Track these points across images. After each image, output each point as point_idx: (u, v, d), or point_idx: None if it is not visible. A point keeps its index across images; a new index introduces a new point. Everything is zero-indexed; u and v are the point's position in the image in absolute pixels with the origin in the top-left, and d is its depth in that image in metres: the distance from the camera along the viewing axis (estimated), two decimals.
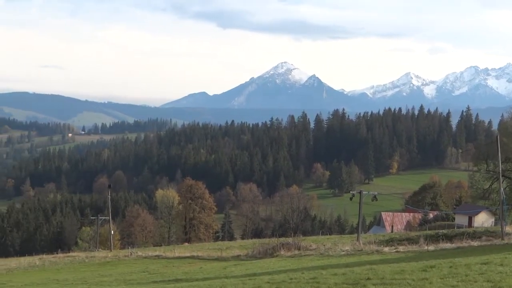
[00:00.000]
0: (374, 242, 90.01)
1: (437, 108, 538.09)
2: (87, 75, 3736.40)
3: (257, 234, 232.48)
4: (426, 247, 78.05)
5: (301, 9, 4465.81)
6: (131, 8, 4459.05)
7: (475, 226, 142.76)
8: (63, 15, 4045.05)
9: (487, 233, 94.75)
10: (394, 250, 78.18)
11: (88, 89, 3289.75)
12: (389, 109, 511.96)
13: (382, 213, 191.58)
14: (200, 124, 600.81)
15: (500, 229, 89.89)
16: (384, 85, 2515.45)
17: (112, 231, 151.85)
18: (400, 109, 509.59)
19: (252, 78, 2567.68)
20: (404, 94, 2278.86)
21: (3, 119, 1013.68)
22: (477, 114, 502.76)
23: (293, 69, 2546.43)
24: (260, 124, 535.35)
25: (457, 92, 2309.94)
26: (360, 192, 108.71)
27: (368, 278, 35.59)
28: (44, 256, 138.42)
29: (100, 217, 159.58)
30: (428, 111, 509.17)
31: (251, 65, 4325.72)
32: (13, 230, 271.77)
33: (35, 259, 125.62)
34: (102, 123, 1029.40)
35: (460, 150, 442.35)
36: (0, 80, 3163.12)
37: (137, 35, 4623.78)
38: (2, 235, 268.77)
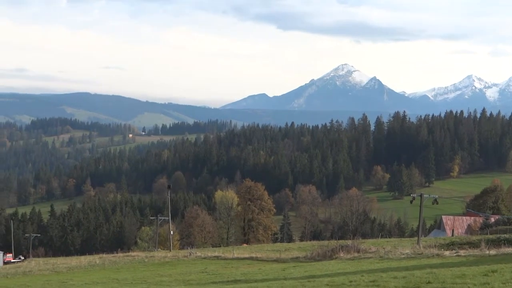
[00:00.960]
0: (435, 245, 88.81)
1: (499, 111, 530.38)
2: (148, 76, 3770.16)
3: (316, 236, 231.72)
4: (487, 252, 76.68)
5: (362, 11, 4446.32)
6: (192, 11, 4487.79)
7: None
8: (124, 17, 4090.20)
9: None
10: (455, 254, 77.01)
11: (148, 90, 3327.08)
12: (451, 111, 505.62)
13: (443, 216, 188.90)
14: (260, 126, 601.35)
15: None
16: (445, 87, 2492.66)
17: (172, 232, 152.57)
18: (462, 112, 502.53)
19: (312, 80, 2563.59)
20: (466, 96, 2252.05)
21: (65, 120, 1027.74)
22: None
23: (354, 71, 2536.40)
24: (320, 126, 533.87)
25: None
26: (420, 195, 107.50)
27: (429, 282, 35.14)
28: (104, 255, 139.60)
29: (160, 217, 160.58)
30: (491, 114, 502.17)
31: (311, 67, 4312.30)
32: (74, 229, 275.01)
33: (95, 258, 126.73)
34: (162, 124, 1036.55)
35: None
36: (62, 81, 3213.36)
37: (198, 37, 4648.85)
38: (63, 234, 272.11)
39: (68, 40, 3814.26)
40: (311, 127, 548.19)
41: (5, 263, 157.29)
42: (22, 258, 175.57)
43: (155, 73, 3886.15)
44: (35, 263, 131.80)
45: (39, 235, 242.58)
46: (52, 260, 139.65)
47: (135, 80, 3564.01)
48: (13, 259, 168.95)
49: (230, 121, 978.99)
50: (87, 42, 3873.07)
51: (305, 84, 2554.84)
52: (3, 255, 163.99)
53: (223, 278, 72.01)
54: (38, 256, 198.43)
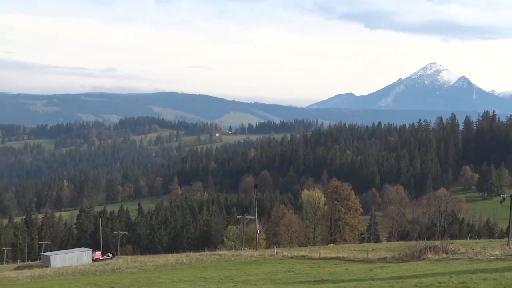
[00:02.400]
0: None
1: None
2: (235, 76, 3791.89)
3: (403, 236, 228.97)
4: None
5: (450, 9, 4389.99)
6: (279, 9, 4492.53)
7: None
8: (211, 17, 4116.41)
9: None
10: None
11: (235, 90, 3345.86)
12: None
13: None
14: (347, 125, 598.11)
15: None
16: None
17: (258, 231, 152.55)
18: None
19: (400, 79, 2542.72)
20: None
21: (152, 119, 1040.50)
22: None
23: (442, 70, 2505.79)
24: (407, 125, 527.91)
25: None
26: (511, 196, 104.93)
27: None
28: (191, 253, 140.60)
29: (246, 216, 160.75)
30: None
31: (399, 66, 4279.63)
32: (161, 228, 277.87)
33: (182, 256, 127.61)
34: (249, 123, 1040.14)
35: None
36: (150, 81, 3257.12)
37: (284, 36, 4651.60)
38: (150, 232, 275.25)
39: (155, 40, 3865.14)
40: (398, 127, 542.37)
41: (94, 260, 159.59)
42: (111, 255, 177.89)
43: (242, 72, 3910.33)
44: (123, 261, 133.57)
45: (127, 233, 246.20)
46: (140, 258, 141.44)
47: (221, 79, 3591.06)
48: (102, 257, 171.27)
49: (317, 120, 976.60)
50: (174, 41, 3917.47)
51: (393, 83, 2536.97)
52: (92, 252, 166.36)
53: (309, 277, 71.56)
54: (126, 254, 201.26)
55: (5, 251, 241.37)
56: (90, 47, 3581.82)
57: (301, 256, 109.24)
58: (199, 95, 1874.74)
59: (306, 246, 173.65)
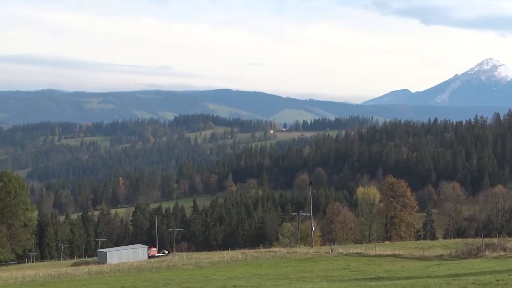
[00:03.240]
0: None
1: None
2: (289, 73, 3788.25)
3: (460, 233, 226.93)
4: None
5: (506, 4, 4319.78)
6: (333, 6, 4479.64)
7: None
8: (266, 14, 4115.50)
9: None
10: None
11: (290, 86, 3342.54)
12: None
13: None
14: (402, 122, 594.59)
15: None
16: None
17: (313, 228, 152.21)
18: None
19: (456, 75, 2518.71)
20: None
21: (207, 116, 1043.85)
22: None
23: (499, 65, 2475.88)
24: (464, 122, 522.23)
25: None
26: None
27: None
28: (246, 250, 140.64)
29: (301, 213, 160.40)
30: None
31: (455, 62, 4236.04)
32: (216, 225, 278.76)
33: (237, 253, 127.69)
34: (303, 120, 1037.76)
35: None
36: (204, 78, 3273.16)
37: (339, 32, 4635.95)
38: (205, 229, 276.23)
39: (210, 38, 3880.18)
40: (454, 123, 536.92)
41: (149, 257, 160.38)
42: (166, 252, 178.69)
43: (296, 70, 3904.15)
44: (178, 258, 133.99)
45: (182, 229, 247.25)
46: (195, 255, 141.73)
47: (276, 77, 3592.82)
48: (158, 253, 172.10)
49: (372, 117, 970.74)
50: (228, 39, 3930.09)
51: (449, 79, 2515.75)
52: (147, 249, 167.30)
53: (365, 275, 71.16)
54: (181, 251, 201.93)
55: (62, 247, 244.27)
56: (145, 45, 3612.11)
57: (357, 253, 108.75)
58: (254, 92, 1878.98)
59: (362, 243, 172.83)
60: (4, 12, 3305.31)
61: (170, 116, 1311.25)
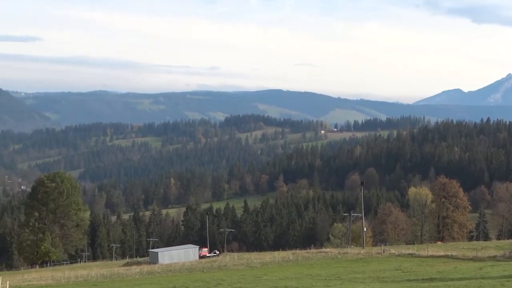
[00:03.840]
0: None
1: None
2: (340, 73, 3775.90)
3: None
4: None
5: None
6: (384, 5, 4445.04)
7: None
8: (315, 13, 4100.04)
9: None
10: None
11: (340, 86, 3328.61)
12: None
13: None
14: (454, 122, 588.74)
15: None
16: None
17: (365, 228, 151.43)
18: None
19: (509, 74, 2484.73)
20: None
21: (258, 116, 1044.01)
22: None
23: None
24: None
25: None
26: None
27: None
28: (297, 251, 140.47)
29: (352, 214, 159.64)
30: None
31: (508, 61, 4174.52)
32: (267, 225, 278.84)
33: (288, 254, 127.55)
34: (354, 120, 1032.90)
35: None
36: (255, 78, 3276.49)
37: (390, 32, 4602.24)
38: (256, 229, 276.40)
39: (259, 38, 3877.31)
40: (508, 123, 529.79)
41: (201, 257, 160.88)
42: (217, 252, 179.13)
43: (347, 69, 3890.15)
44: (229, 258, 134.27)
45: (233, 230, 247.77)
46: (246, 255, 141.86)
47: (326, 76, 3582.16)
48: (209, 254, 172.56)
49: (423, 117, 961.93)
50: (277, 39, 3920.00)
51: (502, 78, 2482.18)
52: (198, 249, 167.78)
53: (418, 276, 70.63)
54: (232, 251, 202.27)
55: (114, 247, 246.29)
56: (195, 46, 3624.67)
57: (409, 254, 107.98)
58: (304, 92, 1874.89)
59: (414, 244, 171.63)
60: (57, 15, 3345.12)
61: (220, 116, 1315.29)
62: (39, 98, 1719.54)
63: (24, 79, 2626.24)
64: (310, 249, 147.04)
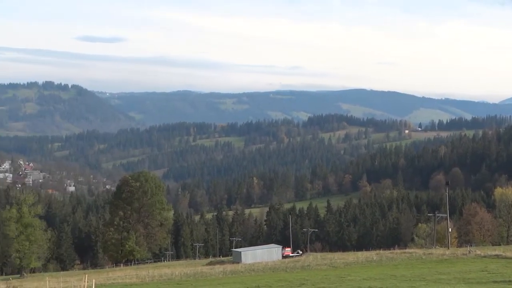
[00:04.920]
0: None
1: None
2: (423, 72, 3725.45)
3: None
4: None
5: None
6: (468, 3, 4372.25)
7: None
8: (398, 12, 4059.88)
9: None
10: None
11: (424, 86, 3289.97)
12: None
13: None
14: None
15: None
16: None
17: (449, 229, 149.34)
18: None
19: None
20: None
21: (341, 116, 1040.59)
22: None
23: None
24: None
25: None
26: None
27: None
28: (381, 251, 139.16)
29: (437, 214, 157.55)
30: None
31: None
32: (350, 225, 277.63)
33: (372, 254, 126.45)
34: (439, 120, 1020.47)
35: None
36: (337, 78, 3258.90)
37: (474, 30, 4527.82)
38: (339, 229, 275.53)
39: (341, 37, 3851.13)
40: None
41: (284, 257, 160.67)
42: (300, 252, 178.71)
43: (430, 68, 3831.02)
44: (312, 258, 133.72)
45: (316, 230, 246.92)
46: (329, 255, 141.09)
47: (409, 76, 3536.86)
48: (292, 253, 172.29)
49: (510, 116, 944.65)
50: (359, 38, 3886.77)
51: None
52: (282, 249, 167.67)
53: (504, 277, 69.36)
54: (315, 251, 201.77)
55: (197, 246, 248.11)
56: (277, 45, 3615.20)
57: (495, 255, 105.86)
58: (388, 91, 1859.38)
59: (500, 245, 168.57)
60: (141, 15, 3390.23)
61: (303, 116, 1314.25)
62: (124, 98, 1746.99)
63: (109, 80, 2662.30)
64: (394, 249, 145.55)
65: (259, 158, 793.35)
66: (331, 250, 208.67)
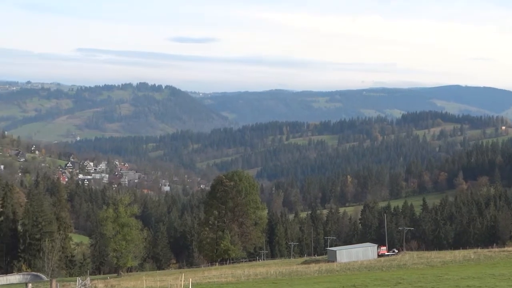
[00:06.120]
0: None
1: None
2: None
3: None
4: None
5: None
6: None
7: None
8: (490, 6, 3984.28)
9: None
10: None
11: None
12: None
13: None
14: None
15: None
16: None
17: None
18: None
19: None
20: None
21: (435, 113, 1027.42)
22: None
23: None
24: None
25: None
26: None
27: None
28: (479, 250, 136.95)
29: None
30: None
31: None
32: (446, 223, 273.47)
33: (469, 253, 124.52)
34: None
35: None
36: (430, 74, 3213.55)
37: None
38: (435, 227, 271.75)
39: (433, 33, 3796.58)
40: None
41: (379, 255, 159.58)
42: (396, 251, 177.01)
43: None
44: (408, 257, 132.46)
45: (411, 228, 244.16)
46: (426, 254, 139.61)
47: (505, 71, 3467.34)
48: (387, 252, 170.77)
49: None
50: (452, 33, 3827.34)
51: None
52: (377, 247, 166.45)
53: None
54: (411, 250, 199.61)
55: (292, 245, 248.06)
56: (369, 42, 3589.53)
57: None
58: (483, 87, 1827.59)
59: None
60: (232, 16, 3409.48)
61: (397, 113, 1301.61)
62: (216, 98, 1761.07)
63: (202, 80, 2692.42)
64: (492, 248, 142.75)
65: (353, 156, 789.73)
66: (427, 249, 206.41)
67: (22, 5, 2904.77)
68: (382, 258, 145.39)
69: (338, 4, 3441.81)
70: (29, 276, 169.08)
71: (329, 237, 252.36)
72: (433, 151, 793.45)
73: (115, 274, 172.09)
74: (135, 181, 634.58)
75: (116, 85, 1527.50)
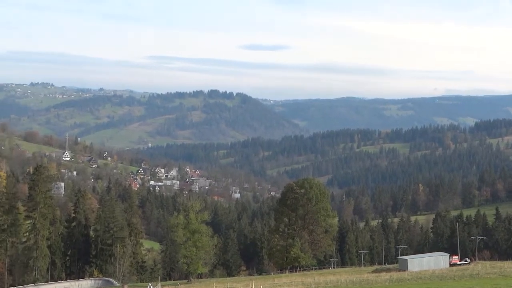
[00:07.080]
0: None
1: None
2: None
3: None
4: None
5: None
6: None
7: None
8: None
9: None
10: None
11: None
12: None
13: None
14: None
15: None
16: None
17: None
18: None
19: None
20: None
21: (509, 121, 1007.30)
22: None
23: None
24: None
25: None
26: None
27: None
28: None
29: None
30: None
31: None
32: None
33: None
34: None
35: None
36: (506, 82, 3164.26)
37: None
38: (509, 237, 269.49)
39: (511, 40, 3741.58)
40: None
41: (451, 265, 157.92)
42: (468, 260, 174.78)
43: None
44: (481, 266, 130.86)
45: (484, 237, 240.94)
46: (499, 264, 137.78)
47: None
48: (459, 261, 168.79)
49: None
50: None
51: None
52: (449, 257, 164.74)
53: None
54: (484, 259, 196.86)
55: (363, 253, 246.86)
56: (444, 50, 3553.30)
57: None
58: None
59: None
60: (303, 23, 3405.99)
61: (470, 121, 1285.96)
62: (287, 105, 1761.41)
63: (273, 87, 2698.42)
64: None
65: (425, 164, 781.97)
66: (500, 259, 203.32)
67: (105, 14, 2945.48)
68: (454, 268, 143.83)
69: (413, 11, 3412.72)
70: (100, 281, 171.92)
71: (400, 246, 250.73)
72: (507, 159, 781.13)
73: (186, 281, 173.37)
74: (206, 188, 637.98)
75: (188, 92, 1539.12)
